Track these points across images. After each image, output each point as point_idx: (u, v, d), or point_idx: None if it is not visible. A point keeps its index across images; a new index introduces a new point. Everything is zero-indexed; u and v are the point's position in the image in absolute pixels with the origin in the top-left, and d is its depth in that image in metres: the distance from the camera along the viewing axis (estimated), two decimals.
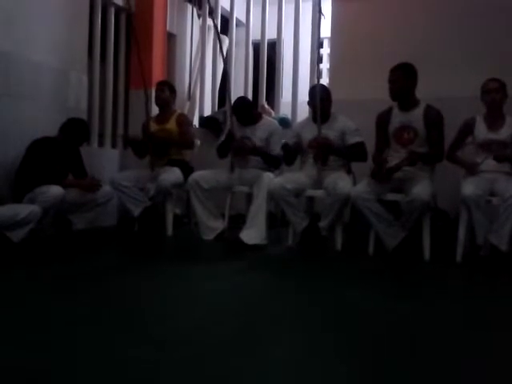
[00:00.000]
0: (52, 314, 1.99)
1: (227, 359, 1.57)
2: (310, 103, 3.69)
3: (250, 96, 5.35)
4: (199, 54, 5.80)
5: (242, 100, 4.00)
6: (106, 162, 4.65)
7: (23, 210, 3.07)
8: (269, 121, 4.00)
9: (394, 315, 2.10)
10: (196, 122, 5.53)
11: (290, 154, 3.74)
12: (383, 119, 3.49)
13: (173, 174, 3.89)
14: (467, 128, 3.42)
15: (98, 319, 1.94)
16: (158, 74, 5.02)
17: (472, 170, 3.32)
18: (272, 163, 3.82)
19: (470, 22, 4.15)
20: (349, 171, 3.67)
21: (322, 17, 3.99)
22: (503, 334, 1.89)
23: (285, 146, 3.72)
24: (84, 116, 4.23)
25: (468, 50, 4.15)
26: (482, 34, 4.11)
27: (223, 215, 3.85)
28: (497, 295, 2.50)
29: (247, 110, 3.87)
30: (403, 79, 3.34)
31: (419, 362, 1.59)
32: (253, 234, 3.48)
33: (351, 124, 3.60)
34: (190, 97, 5.76)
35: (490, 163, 3.24)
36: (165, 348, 1.64)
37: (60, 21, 4.01)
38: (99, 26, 4.63)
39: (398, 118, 3.42)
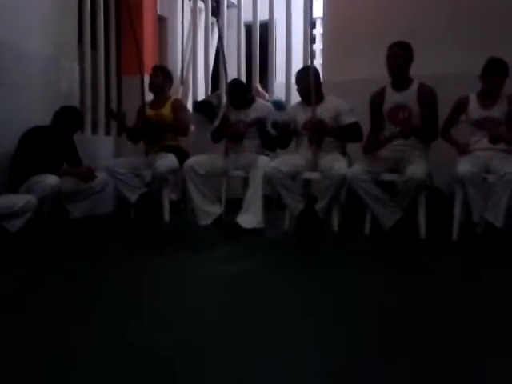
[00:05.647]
0: (50, 302, 2.00)
1: (224, 346, 1.58)
2: (297, 89, 3.67)
3: (243, 79, 5.31)
4: (191, 37, 5.74)
5: (234, 83, 3.97)
6: (100, 149, 4.63)
7: (20, 200, 3.05)
8: (262, 103, 3.97)
9: (391, 294, 2.12)
10: (190, 106, 5.50)
11: (282, 133, 3.69)
12: (377, 99, 3.48)
13: (168, 160, 3.88)
14: (460, 106, 3.42)
15: (95, 306, 1.96)
16: (149, 58, 4.95)
17: (463, 150, 3.33)
18: (268, 141, 3.79)
19: None
20: (344, 153, 3.66)
21: None
22: (498, 313, 1.92)
23: (274, 124, 3.69)
24: (77, 104, 4.19)
25: (462, 27, 4.11)
26: (475, 11, 4.07)
27: (220, 200, 3.86)
28: (493, 272, 2.52)
29: (240, 93, 3.85)
30: (403, 55, 3.34)
31: (417, 340, 1.62)
32: (249, 217, 3.49)
33: (345, 104, 3.58)
34: (183, 81, 5.72)
35: (484, 141, 3.24)
36: (161, 335, 1.66)
37: (49, 7, 3.94)
38: (88, 12, 4.56)
39: (392, 98, 3.41)
